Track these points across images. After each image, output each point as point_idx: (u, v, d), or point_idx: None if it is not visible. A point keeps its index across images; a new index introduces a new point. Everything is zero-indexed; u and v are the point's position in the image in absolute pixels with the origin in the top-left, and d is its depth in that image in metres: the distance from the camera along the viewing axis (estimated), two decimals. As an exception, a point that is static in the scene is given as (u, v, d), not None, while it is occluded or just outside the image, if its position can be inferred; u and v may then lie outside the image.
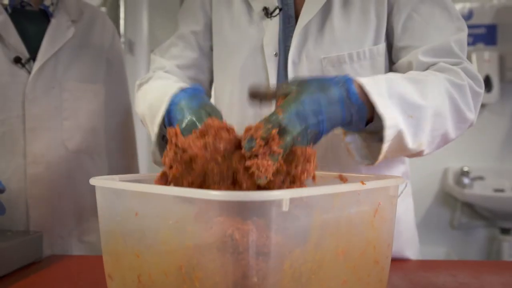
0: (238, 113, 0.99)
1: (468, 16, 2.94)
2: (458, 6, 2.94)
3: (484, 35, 2.95)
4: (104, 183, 0.65)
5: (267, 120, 0.61)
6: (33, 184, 1.09)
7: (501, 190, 2.82)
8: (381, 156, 0.72)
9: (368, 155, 0.77)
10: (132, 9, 2.94)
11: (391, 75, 0.79)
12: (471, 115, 0.82)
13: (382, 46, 0.92)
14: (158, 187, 0.58)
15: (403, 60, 0.90)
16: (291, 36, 0.93)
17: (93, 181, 0.66)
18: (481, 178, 2.89)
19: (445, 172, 3.01)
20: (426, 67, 0.86)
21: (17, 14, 1.12)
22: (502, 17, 2.91)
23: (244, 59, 0.97)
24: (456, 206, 2.98)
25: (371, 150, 0.75)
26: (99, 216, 0.68)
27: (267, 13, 0.95)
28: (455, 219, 3.00)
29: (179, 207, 0.55)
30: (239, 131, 0.64)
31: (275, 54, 0.94)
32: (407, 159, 1.05)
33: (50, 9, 1.16)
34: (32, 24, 1.14)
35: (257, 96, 0.70)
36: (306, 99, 0.64)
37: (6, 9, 1.11)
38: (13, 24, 1.10)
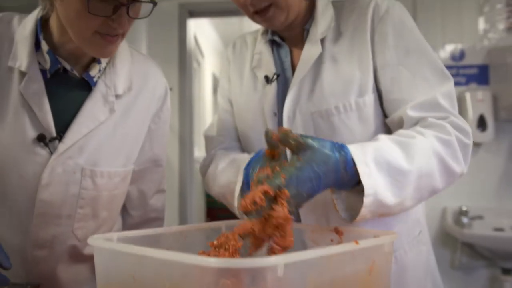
0: None
1: (460, 56, 3.01)
2: (450, 47, 3.01)
3: (476, 75, 3.01)
4: (101, 243, 0.66)
5: (270, 180, 0.68)
6: (35, 265, 1.01)
7: (501, 229, 2.81)
8: (358, 217, 0.77)
9: (350, 212, 0.80)
10: (131, 54, 3.00)
11: (381, 140, 0.82)
12: (459, 167, 0.85)
13: (369, 98, 0.96)
14: (154, 251, 0.58)
15: (393, 116, 0.94)
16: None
17: (91, 240, 0.67)
18: (480, 217, 2.88)
19: (444, 212, 3.00)
20: (416, 121, 0.89)
21: (55, 79, 0.99)
22: (493, 58, 2.97)
23: (251, 121, 1.08)
24: (456, 246, 2.96)
25: (353, 208, 0.79)
26: (97, 275, 0.68)
27: (268, 80, 1.05)
28: (455, 259, 2.97)
29: (176, 271, 0.56)
30: None
31: (274, 114, 1.02)
32: (420, 206, 1.07)
33: (94, 79, 1.02)
34: (69, 93, 1.00)
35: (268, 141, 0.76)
36: (308, 168, 0.70)
37: (44, 72, 0.98)
38: (47, 91, 0.97)
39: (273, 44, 1.09)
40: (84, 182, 1.00)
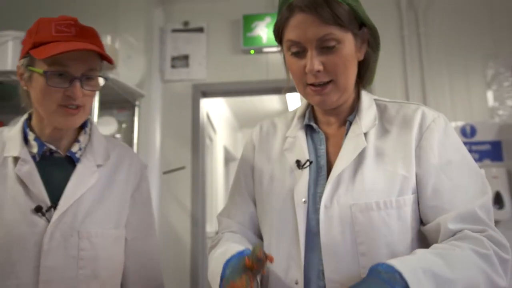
0: (273, 253, 1.04)
1: (471, 133, 3.02)
2: (460, 123, 3.03)
3: (489, 151, 3.00)
4: None
5: None
6: None
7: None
8: None
9: None
10: (145, 135, 3.07)
11: (422, 256, 0.83)
12: (503, 282, 0.84)
13: (409, 198, 0.96)
14: None
15: (431, 225, 0.94)
16: (322, 184, 1.01)
17: None
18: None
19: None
20: (452, 234, 0.90)
21: (44, 161, 1.14)
22: (505, 134, 2.98)
23: (278, 206, 1.05)
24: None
25: None
26: None
27: (299, 165, 1.04)
28: None
29: None
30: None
31: (304, 201, 1.00)
32: None
33: (77, 155, 1.18)
34: (58, 170, 1.15)
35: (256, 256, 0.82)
36: None
37: (34, 157, 1.13)
38: (39, 171, 1.11)
39: (307, 129, 1.10)
40: (81, 243, 1.10)
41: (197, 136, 3.30)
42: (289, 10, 0.96)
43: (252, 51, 3.33)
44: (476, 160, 2.99)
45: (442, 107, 3.06)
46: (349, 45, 0.97)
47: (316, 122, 1.10)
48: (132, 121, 2.94)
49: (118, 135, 2.79)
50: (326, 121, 1.08)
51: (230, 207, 1.18)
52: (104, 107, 2.65)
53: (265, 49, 3.31)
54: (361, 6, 1.01)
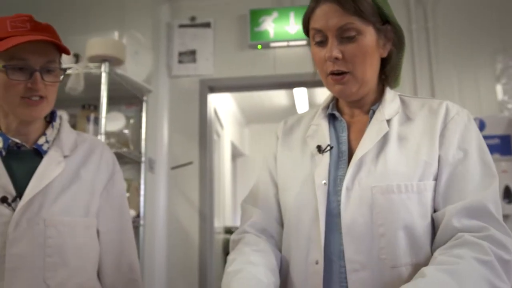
0: (293, 236, 1.07)
1: (480, 127, 3.00)
2: (470, 118, 3.01)
3: (498, 145, 2.98)
4: None
5: None
6: None
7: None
8: None
9: None
10: (153, 130, 3.08)
11: (433, 277, 0.84)
12: (506, 286, 0.85)
13: (430, 184, 0.98)
14: None
15: (439, 213, 0.96)
16: (343, 167, 1.04)
17: None
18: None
19: None
20: (455, 230, 0.91)
21: (11, 155, 1.18)
22: (514, 128, 2.96)
23: (298, 188, 1.07)
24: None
25: None
26: None
27: (320, 150, 1.07)
28: None
29: None
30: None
31: (324, 183, 1.03)
32: None
33: (44, 147, 1.21)
34: (24, 163, 1.18)
35: None
36: None
37: (1, 152, 1.17)
38: (5, 165, 1.15)
39: (330, 118, 1.14)
40: (48, 231, 1.12)
41: (204, 131, 3.31)
42: (315, 1, 1.04)
43: (259, 46, 3.32)
44: (485, 155, 2.98)
45: (451, 101, 3.03)
46: (369, 38, 1.01)
47: (339, 112, 1.13)
48: (140, 117, 2.94)
49: (126, 131, 2.80)
50: (350, 113, 1.12)
51: (255, 194, 1.20)
52: (112, 103, 2.65)
53: (272, 44, 3.30)
54: (388, 5, 1.05)
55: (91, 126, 2.62)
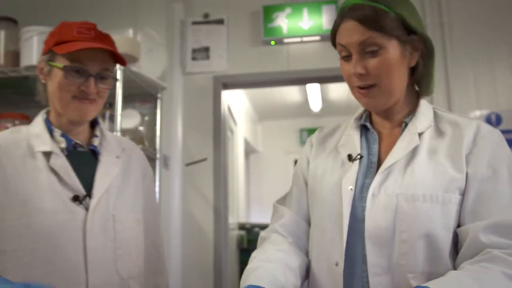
0: (317, 237, 1.12)
1: (497, 122, 2.97)
2: (485, 112, 2.98)
3: (515, 140, 2.95)
4: None
5: None
6: None
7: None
8: None
9: None
10: (167, 127, 3.09)
11: (457, 278, 0.86)
12: None
13: (455, 197, 0.99)
14: None
15: (464, 228, 0.98)
16: (371, 176, 1.07)
17: None
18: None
19: None
20: (481, 246, 0.92)
21: (72, 156, 1.26)
22: (532, 122, 2.92)
23: (326, 192, 1.12)
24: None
25: None
26: None
27: (350, 158, 1.11)
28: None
29: None
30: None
31: (351, 189, 1.06)
32: None
33: (98, 149, 1.32)
34: (84, 163, 1.28)
35: None
36: None
37: (62, 151, 1.24)
38: (69, 163, 1.23)
39: (362, 129, 1.17)
40: (116, 226, 1.25)
41: (218, 128, 3.32)
42: (340, 17, 1.07)
43: (272, 42, 3.32)
44: (501, 150, 2.95)
45: (466, 96, 3.01)
46: (392, 51, 1.02)
47: (371, 123, 1.16)
48: (155, 114, 2.96)
49: (141, 128, 2.82)
50: (381, 123, 1.14)
51: (287, 196, 1.26)
52: (127, 100, 2.67)
53: (286, 40, 3.30)
54: (415, 15, 1.06)
55: (106, 124, 2.64)
